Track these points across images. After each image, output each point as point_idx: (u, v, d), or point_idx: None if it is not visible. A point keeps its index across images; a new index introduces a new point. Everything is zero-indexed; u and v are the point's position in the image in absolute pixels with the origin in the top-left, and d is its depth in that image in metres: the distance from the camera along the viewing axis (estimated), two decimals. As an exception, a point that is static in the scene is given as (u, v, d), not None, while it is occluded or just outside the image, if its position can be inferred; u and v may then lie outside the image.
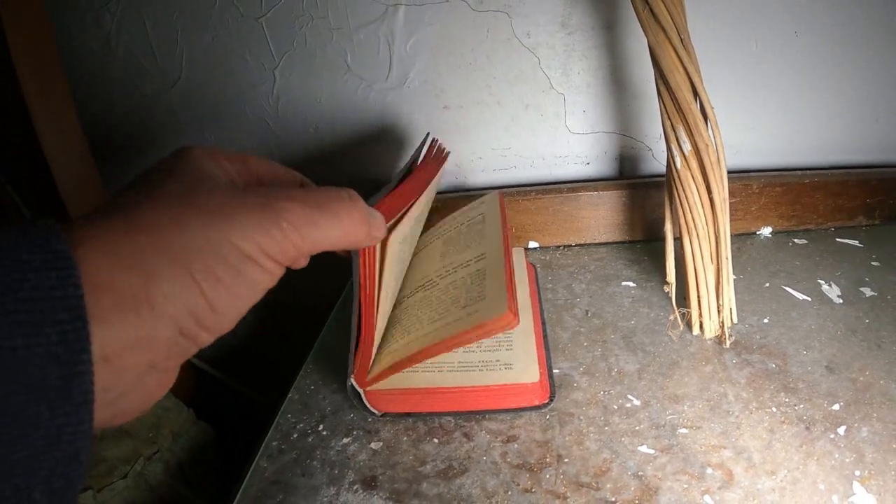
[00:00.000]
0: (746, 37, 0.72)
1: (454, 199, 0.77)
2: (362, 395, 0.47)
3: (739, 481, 0.40)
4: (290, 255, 0.27)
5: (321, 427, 0.49)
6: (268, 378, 1.01)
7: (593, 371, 0.52)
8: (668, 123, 0.50)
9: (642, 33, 0.50)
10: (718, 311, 0.54)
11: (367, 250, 0.41)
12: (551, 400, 0.48)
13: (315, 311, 0.81)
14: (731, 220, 0.69)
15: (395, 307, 0.54)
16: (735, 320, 0.56)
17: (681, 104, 0.49)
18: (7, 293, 0.19)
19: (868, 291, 0.61)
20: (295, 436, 0.48)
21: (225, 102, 0.80)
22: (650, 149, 0.77)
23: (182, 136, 0.82)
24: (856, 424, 0.44)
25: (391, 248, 0.45)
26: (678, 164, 0.50)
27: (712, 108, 0.49)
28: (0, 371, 0.19)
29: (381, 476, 0.43)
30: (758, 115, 0.76)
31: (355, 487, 0.43)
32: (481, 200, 0.64)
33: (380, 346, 0.50)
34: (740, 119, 0.76)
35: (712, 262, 0.52)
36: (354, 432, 0.48)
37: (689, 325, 0.56)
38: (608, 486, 0.41)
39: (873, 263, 0.67)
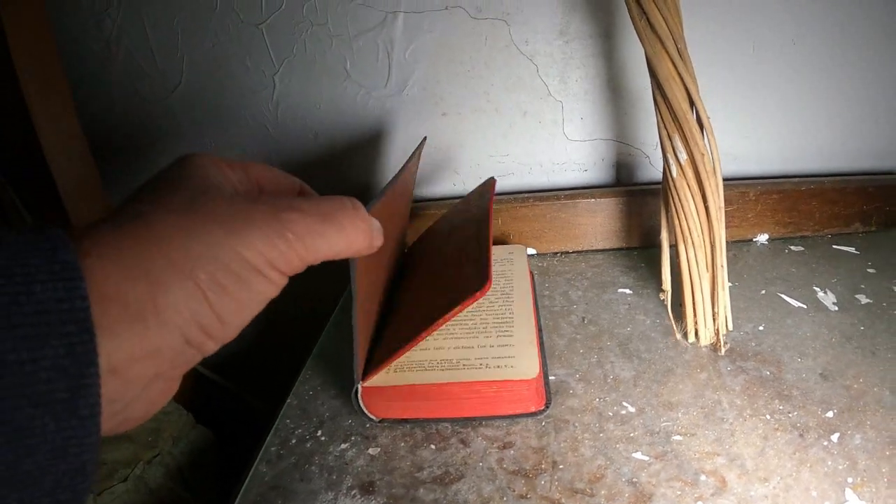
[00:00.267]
0: (744, 42, 0.72)
1: (450, 206, 0.76)
2: (361, 401, 0.48)
3: (732, 488, 0.41)
4: (294, 266, 0.28)
5: (319, 433, 0.50)
6: (267, 383, 1.01)
7: (589, 378, 0.53)
8: (664, 132, 0.51)
9: (640, 42, 0.51)
10: (713, 319, 0.54)
11: (366, 258, 0.42)
12: (547, 406, 0.49)
13: (314, 317, 0.81)
14: (727, 227, 0.70)
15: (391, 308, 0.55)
16: (730, 328, 0.56)
17: (677, 113, 0.49)
18: (13, 305, 0.19)
19: (863, 299, 0.62)
20: (294, 441, 0.49)
21: (225, 107, 0.80)
22: (647, 156, 0.78)
23: (182, 140, 0.83)
24: (849, 432, 0.45)
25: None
26: (674, 173, 0.51)
27: (708, 117, 0.50)
28: (6, 385, 0.19)
29: (379, 482, 0.44)
30: (755, 121, 0.77)
31: (353, 493, 0.43)
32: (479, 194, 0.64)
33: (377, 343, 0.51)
34: (737, 125, 0.77)
35: (707, 271, 0.53)
36: (352, 438, 0.49)
37: (684, 333, 0.57)
38: (602, 492, 0.41)
39: (869, 270, 0.67)
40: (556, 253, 0.77)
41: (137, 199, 0.27)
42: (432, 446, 0.47)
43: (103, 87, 0.81)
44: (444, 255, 0.55)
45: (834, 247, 0.73)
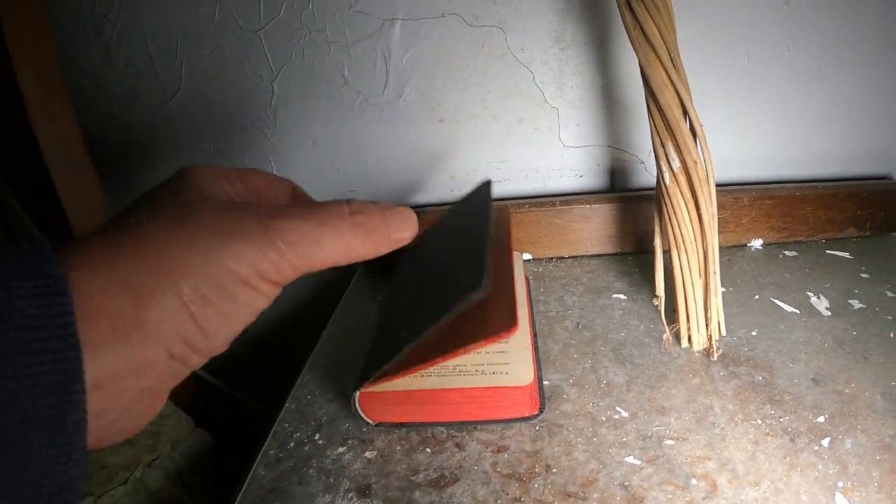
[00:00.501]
0: (738, 48, 0.73)
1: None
2: (358, 405, 0.49)
3: (723, 492, 0.41)
4: (287, 275, 0.27)
5: (317, 436, 0.50)
6: (265, 386, 1.01)
7: (583, 383, 0.54)
8: (657, 140, 0.52)
9: (633, 50, 0.52)
10: (706, 325, 0.55)
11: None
12: (541, 411, 0.50)
13: (312, 321, 0.82)
14: (721, 233, 0.71)
15: None
16: (723, 333, 0.57)
17: (670, 122, 0.50)
18: None
19: (856, 304, 0.63)
20: (292, 444, 0.50)
21: (224, 113, 0.81)
22: (642, 162, 0.79)
23: (181, 145, 0.84)
24: (840, 436, 0.46)
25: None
26: (667, 181, 0.52)
27: (701, 125, 0.50)
28: None
29: (376, 485, 0.45)
30: (749, 126, 0.78)
31: (350, 496, 0.44)
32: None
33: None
34: (732, 131, 0.78)
35: (700, 277, 0.54)
36: (349, 442, 0.49)
37: (677, 338, 0.58)
38: (595, 495, 0.42)
39: (863, 275, 0.68)
40: (552, 258, 0.78)
41: (131, 212, 0.27)
42: (428, 450, 0.48)
43: (103, 93, 0.82)
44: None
45: (828, 252, 0.74)
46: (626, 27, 0.51)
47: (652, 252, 0.60)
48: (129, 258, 0.23)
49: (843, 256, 0.73)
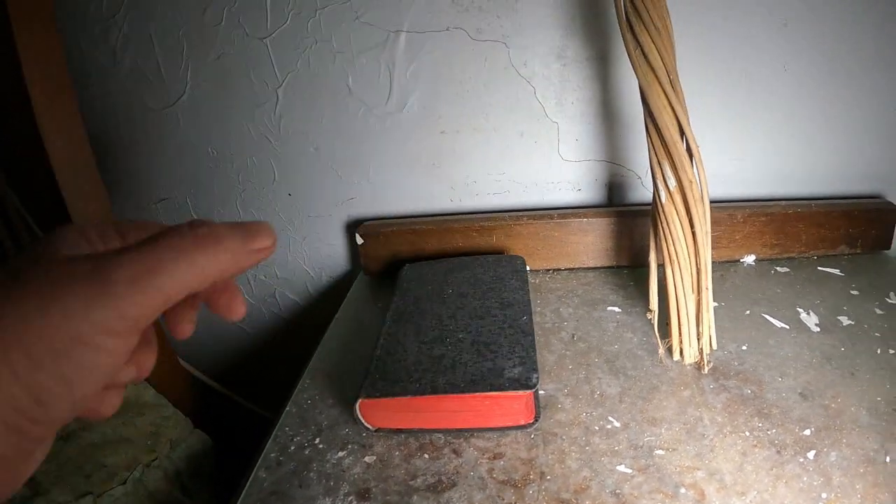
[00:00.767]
0: (737, 69, 0.75)
1: (448, 221, 0.80)
2: (358, 411, 0.51)
3: (711, 501, 0.43)
4: (137, 318, 0.24)
5: (318, 440, 0.52)
6: (263, 389, 1.04)
7: (577, 393, 0.56)
8: (654, 159, 0.54)
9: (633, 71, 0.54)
10: (698, 339, 0.57)
11: None
12: (536, 420, 0.51)
13: (311, 327, 0.84)
14: (715, 248, 0.73)
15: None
16: (714, 347, 0.59)
17: (667, 142, 0.52)
18: None
19: (845, 320, 0.65)
20: (292, 448, 0.52)
21: (228, 118, 0.83)
22: (640, 177, 0.81)
23: (185, 149, 0.85)
24: (825, 449, 0.47)
25: None
26: (663, 199, 0.54)
27: (697, 146, 0.52)
28: None
29: (375, 489, 0.46)
30: (746, 144, 0.80)
31: (350, 499, 0.46)
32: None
33: None
34: (728, 148, 0.80)
35: (693, 293, 0.56)
36: (349, 446, 0.51)
37: (669, 351, 0.60)
38: (587, 502, 0.44)
39: (853, 292, 0.70)
40: (549, 270, 0.80)
41: None
42: (426, 456, 0.49)
43: (108, 94, 0.83)
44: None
45: (819, 269, 0.76)
46: (627, 48, 0.54)
47: (647, 266, 0.62)
48: None
49: (834, 273, 0.75)
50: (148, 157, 0.87)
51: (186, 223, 0.27)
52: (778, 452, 0.47)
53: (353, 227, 0.88)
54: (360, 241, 0.80)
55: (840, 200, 0.80)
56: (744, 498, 0.43)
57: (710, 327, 0.57)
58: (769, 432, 0.50)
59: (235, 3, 0.76)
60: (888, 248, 0.79)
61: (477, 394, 0.50)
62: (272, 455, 0.51)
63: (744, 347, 0.61)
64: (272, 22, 0.76)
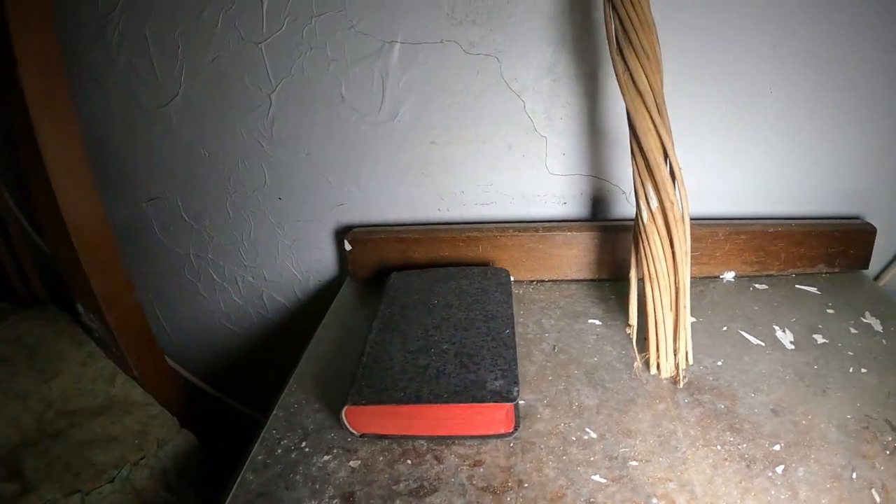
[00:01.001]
0: (724, 90, 0.78)
1: (435, 231, 0.83)
2: (344, 416, 0.53)
3: (681, 512, 0.46)
4: None
5: (304, 444, 0.54)
6: (250, 390, 1.06)
7: (556, 404, 0.58)
8: (638, 180, 0.57)
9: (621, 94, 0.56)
10: (675, 354, 0.60)
11: None
12: (516, 429, 0.54)
13: (298, 331, 0.85)
14: (696, 264, 0.75)
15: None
16: (690, 362, 0.62)
17: (651, 164, 0.55)
18: None
19: (820, 338, 0.67)
20: (279, 451, 0.54)
21: (221, 120, 0.84)
22: (624, 192, 0.84)
23: (177, 149, 0.87)
24: (794, 464, 0.50)
25: None
26: (645, 219, 0.56)
27: (680, 169, 0.55)
28: None
29: (359, 492, 0.49)
30: (730, 164, 0.82)
31: (335, 502, 0.48)
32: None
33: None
34: (712, 167, 0.82)
35: (671, 310, 0.59)
36: (335, 450, 0.53)
37: (647, 365, 0.62)
38: (562, 510, 0.46)
39: (829, 311, 0.73)
40: (533, 281, 0.83)
41: None
42: (409, 461, 0.52)
43: (102, 92, 0.84)
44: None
45: (797, 286, 0.79)
46: (615, 71, 0.56)
47: (628, 281, 0.65)
48: None
49: (811, 291, 0.77)
50: (140, 155, 0.88)
51: None
52: (748, 466, 0.50)
53: (341, 232, 0.90)
54: (348, 247, 0.82)
55: (820, 220, 0.82)
56: (713, 509, 0.46)
57: (686, 343, 0.60)
58: (740, 447, 0.52)
59: (232, 7, 0.77)
60: (866, 267, 0.82)
61: (459, 404, 0.52)
62: (259, 457, 0.53)
63: (719, 363, 0.63)
64: (268, 27, 0.78)
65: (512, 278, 0.80)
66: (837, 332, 0.69)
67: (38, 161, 0.73)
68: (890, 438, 0.53)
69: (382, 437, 0.54)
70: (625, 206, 0.85)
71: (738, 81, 0.77)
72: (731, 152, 0.82)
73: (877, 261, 0.86)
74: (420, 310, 0.67)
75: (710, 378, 0.61)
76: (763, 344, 0.67)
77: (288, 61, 0.80)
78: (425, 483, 0.49)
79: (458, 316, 0.65)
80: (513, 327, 0.63)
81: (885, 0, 0.72)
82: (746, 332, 0.69)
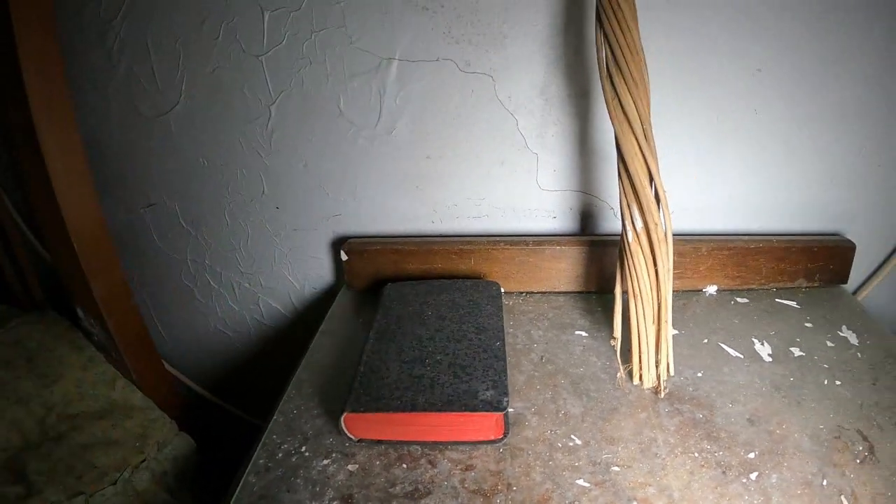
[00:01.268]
0: (710, 110, 0.81)
1: (429, 243, 0.86)
2: (342, 422, 0.57)
3: (658, 515, 0.50)
4: None
5: (304, 448, 0.58)
6: (245, 392, 1.08)
7: (543, 412, 0.62)
8: (624, 202, 0.61)
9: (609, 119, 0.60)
10: (656, 366, 0.64)
11: None
12: (505, 436, 0.58)
13: (294, 340, 0.88)
14: (680, 279, 0.79)
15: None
16: (672, 373, 0.66)
17: (637, 187, 0.59)
18: None
19: (797, 351, 0.71)
20: (280, 455, 0.57)
21: (220, 130, 0.87)
22: (612, 208, 0.87)
23: (176, 156, 0.89)
24: (767, 472, 0.54)
25: None
26: (630, 238, 0.61)
27: (665, 192, 0.59)
28: None
29: (357, 495, 0.52)
30: (715, 182, 0.86)
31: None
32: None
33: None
34: (697, 185, 0.86)
35: (654, 324, 0.63)
36: (333, 455, 0.57)
37: (630, 376, 0.67)
38: (548, 512, 0.50)
39: (807, 325, 0.77)
40: (523, 293, 0.87)
41: None
42: (404, 465, 0.56)
43: (101, 98, 0.87)
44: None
45: (777, 300, 0.83)
46: (605, 97, 0.60)
47: (614, 295, 0.69)
48: None
49: (790, 305, 0.81)
50: (138, 162, 0.91)
51: None
52: (723, 473, 0.54)
53: (337, 242, 0.93)
54: (344, 257, 0.86)
55: (801, 237, 0.86)
56: (689, 513, 0.50)
57: (668, 355, 0.64)
58: (716, 454, 0.56)
59: (233, 19, 0.80)
60: (845, 282, 0.86)
61: (452, 413, 0.56)
62: (261, 461, 0.57)
63: (699, 374, 0.67)
64: (268, 41, 0.80)
65: (502, 290, 0.83)
66: (814, 346, 0.72)
67: (39, 162, 0.76)
68: (861, 448, 0.57)
69: (379, 442, 0.58)
70: (612, 222, 0.89)
71: (724, 103, 0.81)
72: (716, 170, 0.85)
73: (857, 275, 0.91)
74: (414, 321, 0.70)
75: (690, 389, 0.65)
76: (742, 356, 0.71)
77: (287, 74, 0.82)
78: (420, 486, 0.53)
79: (451, 328, 0.69)
80: (503, 339, 0.67)
81: (864, 28, 0.75)
82: (726, 345, 0.73)
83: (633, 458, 0.56)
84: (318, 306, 0.99)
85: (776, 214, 0.89)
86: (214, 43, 0.82)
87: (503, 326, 0.70)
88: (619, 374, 0.68)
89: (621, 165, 0.60)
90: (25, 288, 0.98)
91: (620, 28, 0.58)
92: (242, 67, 0.83)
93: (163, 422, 0.79)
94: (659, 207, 0.59)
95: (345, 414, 0.57)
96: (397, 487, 0.53)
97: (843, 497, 0.52)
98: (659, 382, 0.65)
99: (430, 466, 0.55)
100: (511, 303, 0.84)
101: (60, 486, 0.69)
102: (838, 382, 0.66)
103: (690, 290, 0.85)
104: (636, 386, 0.66)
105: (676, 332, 0.75)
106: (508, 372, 0.66)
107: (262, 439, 0.60)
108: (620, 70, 0.58)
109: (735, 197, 0.88)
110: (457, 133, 0.84)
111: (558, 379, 0.68)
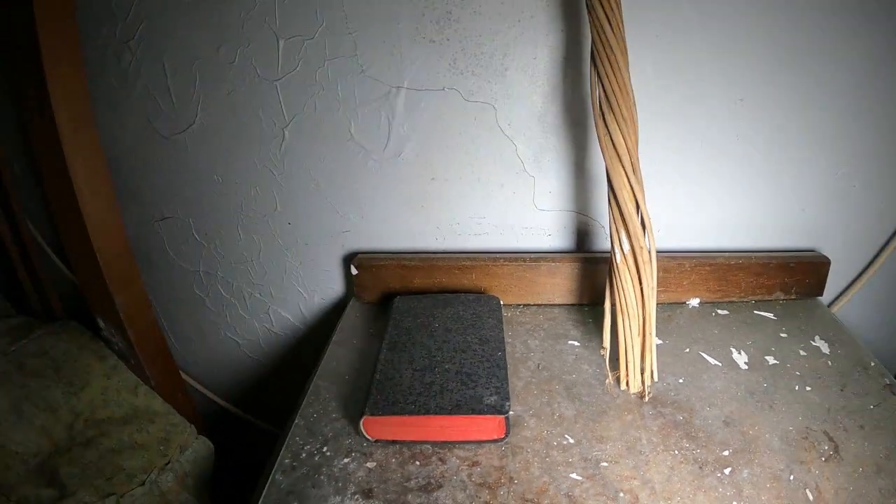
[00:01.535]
0: (694, 136, 0.87)
1: (433, 259, 0.92)
2: (361, 424, 0.64)
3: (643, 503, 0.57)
4: None
5: (325, 448, 0.64)
6: (256, 399, 1.13)
7: (540, 415, 0.69)
8: (613, 227, 0.68)
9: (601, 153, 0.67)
10: (642, 373, 0.71)
11: None
12: (507, 435, 0.65)
13: (304, 352, 0.93)
14: (664, 292, 0.86)
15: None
16: (655, 379, 0.73)
17: (624, 215, 0.66)
18: None
19: (771, 360, 0.77)
20: (303, 455, 0.63)
21: (235, 149, 0.91)
22: (603, 227, 0.93)
23: (193, 174, 0.94)
24: (740, 467, 0.60)
25: None
26: (618, 259, 0.68)
27: (650, 219, 0.66)
28: None
29: (376, 489, 0.59)
30: (698, 202, 0.91)
31: (356, 497, 0.58)
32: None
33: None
34: (682, 204, 0.92)
35: (639, 336, 0.70)
36: (353, 454, 0.64)
37: (617, 382, 0.74)
38: (546, 502, 0.57)
39: (782, 335, 0.83)
40: (520, 305, 0.93)
41: None
42: (417, 462, 0.62)
43: (116, 117, 0.91)
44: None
45: (755, 312, 0.88)
46: (597, 132, 0.67)
47: (604, 308, 0.76)
48: None
49: (768, 317, 0.87)
50: (153, 177, 0.95)
51: None
52: (700, 468, 0.60)
53: (347, 257, 0.98)
54: (354, 271, 0.92)
55: (779, 253, 0.92)
56: (669, 502, 0.56)
57: (652, 363, 0.71)
58: (694, 451, 0.62)
59: (249, 45, 0.83)
60: (820, 294, 0.92)
61: (461, 416, 0.63)
62: (286, 461, 0.63)
63: (680, 380, 0.74)
64: (283, 67, 0.84)
65: (502, 303, 0.89)
66: (788, 354, 0.78)
67: (67, 184, 0.79)
68: (826, 447, 0.62)
69: (393, 442, 0.65)
70: (603, 240, 0.94)
71: (708, 130, 0.86)
72: (699, 192, 0.91)
73: (834, 288, 0.97)
74: (423, 333, 0.77)
75: (672, 393, 0.72)
76: (720, 364, 0.77)
77: (301, 99, 0.86)
78: (432, 480, 0.60)
79: (457, 339, 0.76)
80: (504, 350, 0.74)
81: (837, 61, 0.81)
82: (706, 354, 0.79)
83: (620, 455, 0.62)
84: (327, 316, 1.04)
85: (757, 232, 0.94)
86: (230, 67, 0.85)
87: (504, 338, 0.77)
88: (607, 381, 0.74)
89: (611, 194, 0.67)
90: (44, 300, 1.01)
91: (612, 69, 0.64)
92: (257, 91, 0.87)
93: (183, 426, 0.85)
94: (644, 233, 0.66)
95: (364, 417, 0.64)
96: (412, 482, 0.60)
97: (807, 490, 0.57)
98: (644, 388, 0.72)
99: (440, 463, 0.62)
100: (510, 315, 0.90)
101: (92, 488, 0.73)
102: (808, 388, 0.72)
103: (675, 303, 0.91)
104: (623, 391, 0.73)
105: (660, 341, 0.81)
106: (509, 378, 0.72)
107: (286, 441, 0.65)
108: (612, 109, 0.64)
109: (718, 217, 0.93)
110: (460, 157, 0.90)
111: (553, 385, 0.74)
